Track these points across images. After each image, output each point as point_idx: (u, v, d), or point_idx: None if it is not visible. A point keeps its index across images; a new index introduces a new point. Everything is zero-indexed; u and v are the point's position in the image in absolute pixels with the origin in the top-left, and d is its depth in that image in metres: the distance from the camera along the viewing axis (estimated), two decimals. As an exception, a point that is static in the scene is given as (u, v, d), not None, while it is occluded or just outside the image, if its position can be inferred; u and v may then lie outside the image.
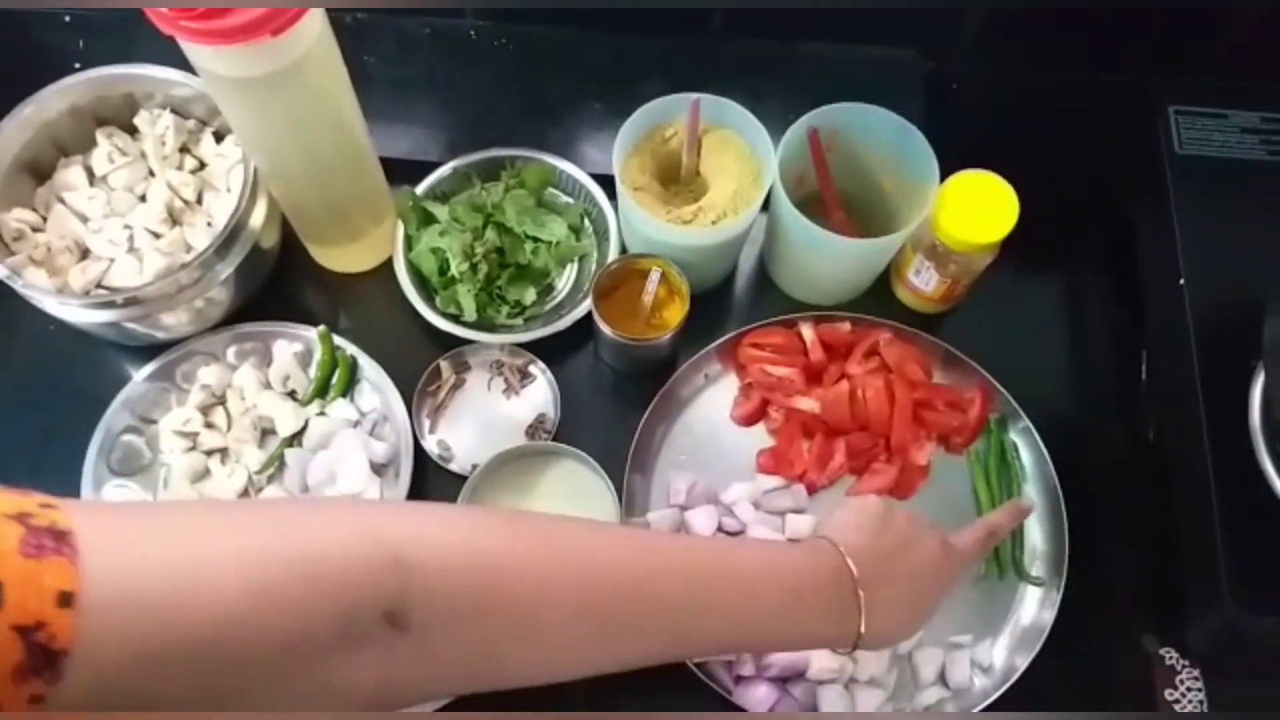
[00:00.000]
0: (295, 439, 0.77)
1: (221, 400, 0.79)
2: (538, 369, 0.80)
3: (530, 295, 0.81)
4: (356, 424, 0.78)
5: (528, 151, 0.84)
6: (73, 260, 0.77)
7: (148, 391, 0.77)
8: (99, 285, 0.77)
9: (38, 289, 0.72)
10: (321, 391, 0.78)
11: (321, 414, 0.77)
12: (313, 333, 0.79)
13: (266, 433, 0.78)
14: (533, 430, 0.79)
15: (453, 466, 0.77)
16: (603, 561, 0.50)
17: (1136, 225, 0.82)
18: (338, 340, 0.79)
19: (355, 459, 0.75)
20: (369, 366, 0.78)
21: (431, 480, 0.77)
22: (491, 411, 0.80)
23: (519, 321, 0.80)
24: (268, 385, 0.79)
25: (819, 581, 0.55)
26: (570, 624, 0.49)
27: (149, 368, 0.77)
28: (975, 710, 0.71)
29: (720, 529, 0.75)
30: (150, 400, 0.78)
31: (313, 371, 0.79)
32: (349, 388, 0.79)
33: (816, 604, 0.55)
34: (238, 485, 0.76)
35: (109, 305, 0.72)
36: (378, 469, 0.76)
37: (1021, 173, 0.75)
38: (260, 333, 0.79)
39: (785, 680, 0.71)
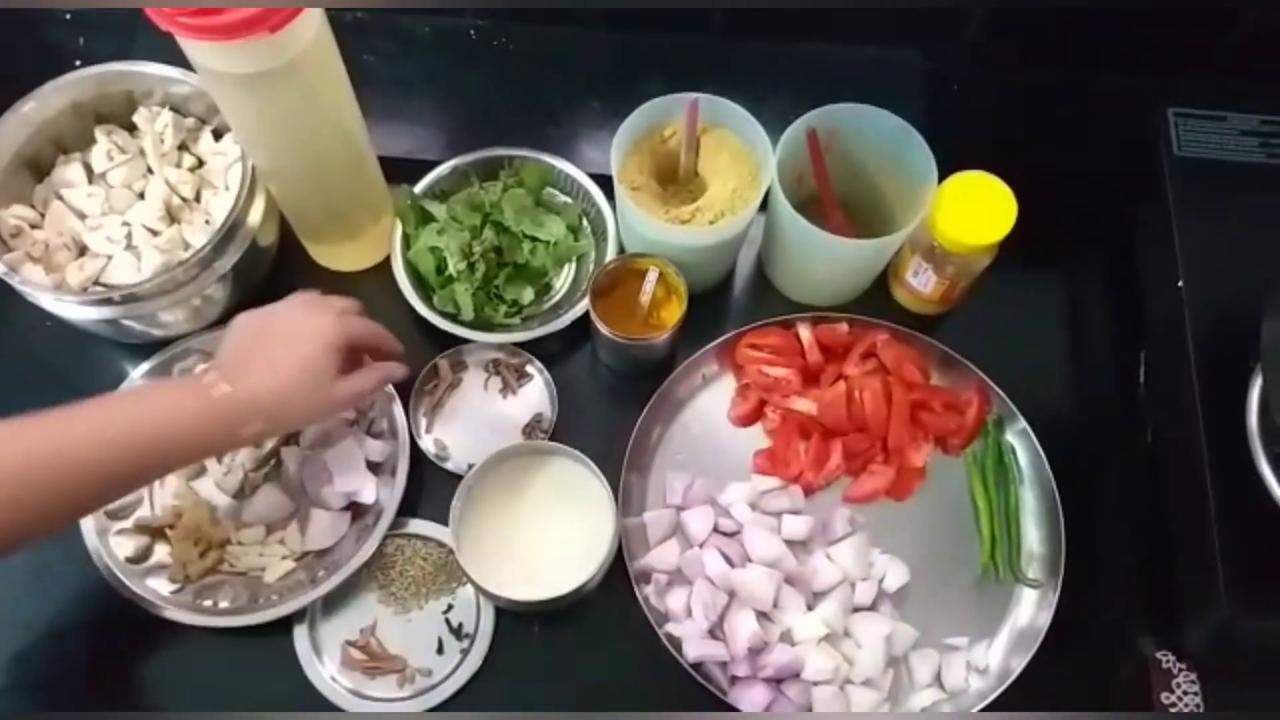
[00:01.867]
0: (292, 437, 0.77)
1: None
2: (535, 369, 0.80)
3: (528, 295, 0.81)
4: (353, 422, 0.78)
5: (526, 151, 0.84)
6: (71, 257, 0.77)
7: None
8: (96, 282, 0.77)
9: (35, 286, 0.72)
10: None
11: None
12: (310, 330, 0.78)
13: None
14: (529, 430, 0.79)
15: (449, 465, 0.77)
16: None
17: (1135, 227, 0.83)
18: None
19: (352, 457, 0.75)
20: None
21: (428, 478, 0.77)
22: (488, 411, 0.80)
23: (516, 321, 0.80)
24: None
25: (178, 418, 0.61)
26: None
27: (145, 365, 0.77)
28: (971, 712, 0.71)
29: (717, 529, 0.75)
30: None
31: None
32: None
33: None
34: (233, 483, 0.76)
35: (106, 302, 0.72)
36: (374, 467, 0.76)
37: (1020, 174, 0.75)
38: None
39: (780, 681, 0.71)
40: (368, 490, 0.75)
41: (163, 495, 0.76)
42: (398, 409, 0.77)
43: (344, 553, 0.73)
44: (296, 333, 0.64)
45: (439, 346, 0.80)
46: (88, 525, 0.72)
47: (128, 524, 0.74)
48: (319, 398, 0.64)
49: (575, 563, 0.71)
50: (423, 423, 0.79)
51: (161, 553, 0.74)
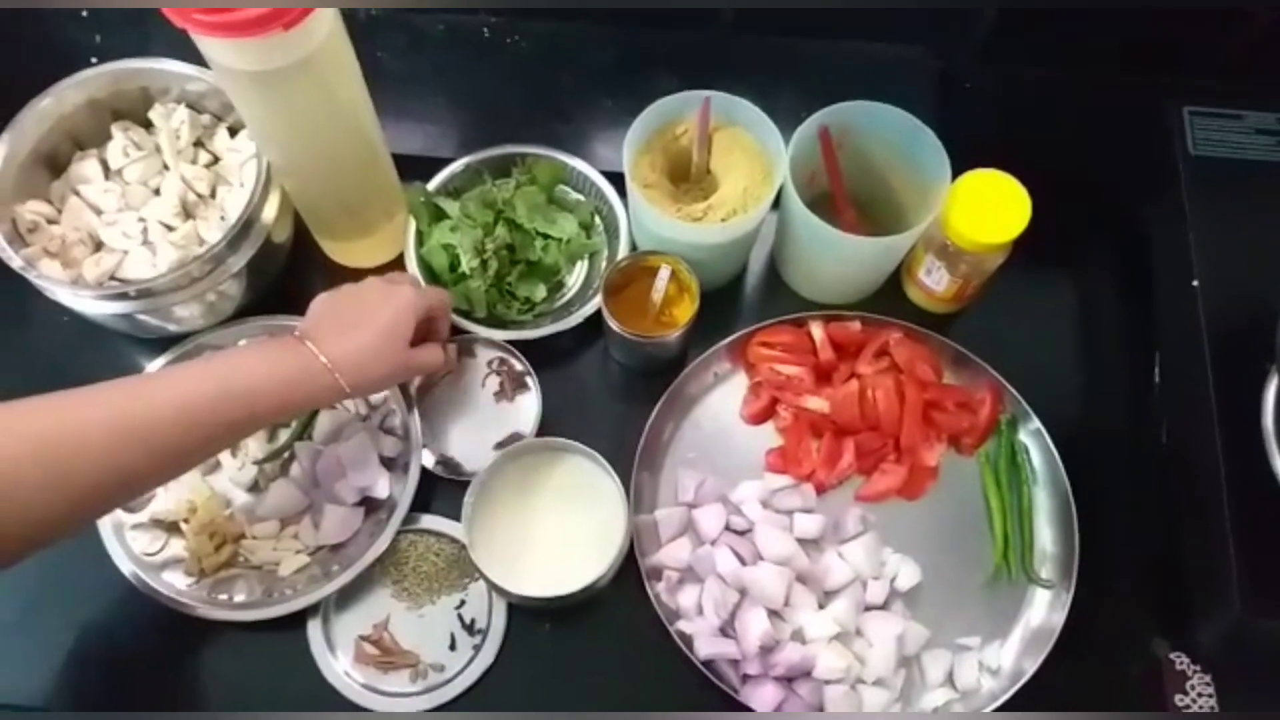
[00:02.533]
0: (305, 432, 0.77)
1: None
2: (533, 383, 0.79)
3: (540, 292, 0.81)
4: (366, 418, 0.78)
5: (539, 149, 0.84)
6: (87, 252, 0.77)
7: None
8: (112, 277, 0.77)
9: (52, 280, 0.73)
10: None
11: (331, 406, 0.78)
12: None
13: (276, 426, 0.78)
14: (503, 444, 0.78)
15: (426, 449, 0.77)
16: (54, 432, 0.57)
17: (1150, 226, 0.82)
18: None
19: (365, 452, 0.75)
20: None
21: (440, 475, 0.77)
22: (476, 407, 0.80)
23: (529, 318, 0.80)
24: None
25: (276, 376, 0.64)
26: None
27: (160, 360, 0.78)
28: (983, 712, 0.71)
29: (728, 527, 0.75)
30: None
31: None
32: None
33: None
34: (248, 477, 0.76)
35: (122, 297, 0.73)
36: (387, 463, 0.76)
37: (1034, 172, 0.74)
38: (270, 326, 0.79)
39: (791, 680, 0.71)
40: (381, 485, 0.75)
41: (178, 490, 0.76)
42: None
43: (358, 548, 0.74)
44: (376, 302, 0.68)
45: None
46: (104, 521, 0.73)
47: (143, 518, 0.75)
48: (395, 360, 0.67)
49: (587, 560, 0.71)
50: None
51: (177, 547, 0.74)
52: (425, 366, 0.72)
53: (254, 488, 0.77)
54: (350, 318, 0.67)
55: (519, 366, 0.80)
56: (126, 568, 0.72)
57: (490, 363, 0.81)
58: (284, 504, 0.76)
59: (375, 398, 0.79)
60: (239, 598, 0.73)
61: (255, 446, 0.77)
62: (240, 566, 0.75)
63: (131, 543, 0.73)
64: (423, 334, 0.72)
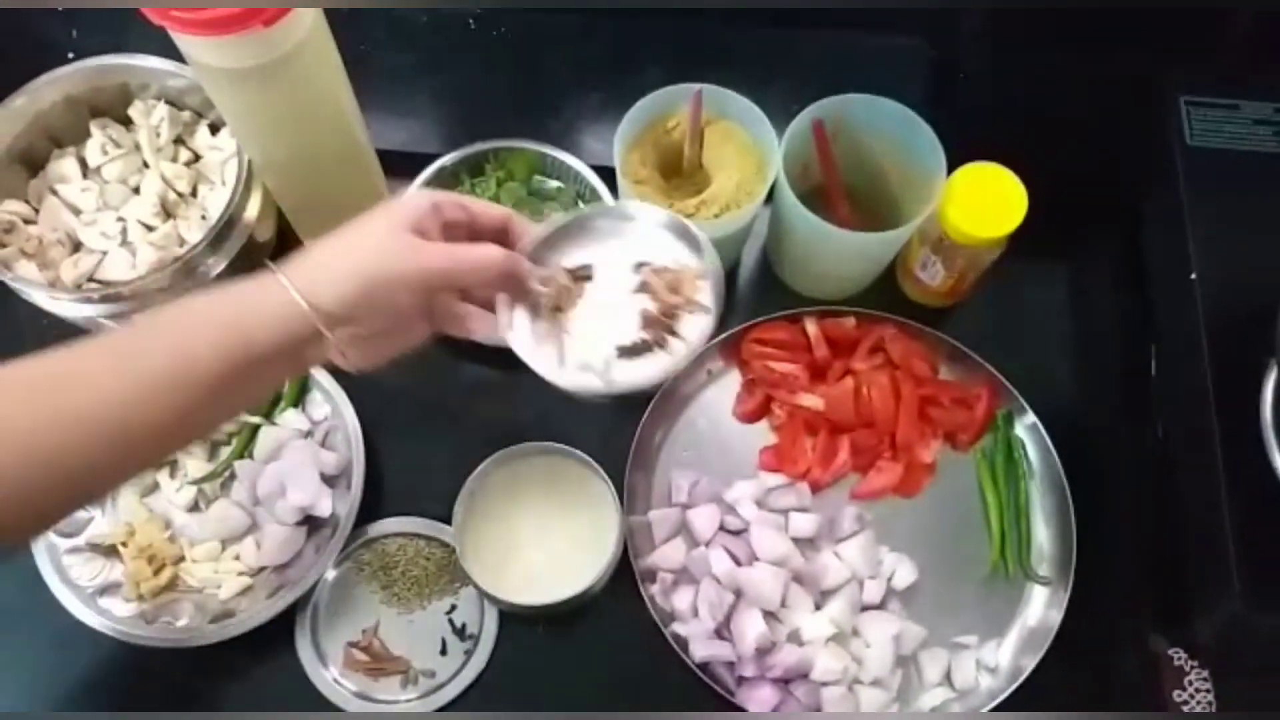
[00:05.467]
0: (247, 450, 0.75)
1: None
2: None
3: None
4: (308, 434, 0.76)
5: (509, 141, 0.82)
6: (65, 253, 0.76)
7: None
8: (91, 279, 0.75)
9: (28, 283, 0.71)
10: (273, 401, 0.76)
11: (272, 423, 0.76)
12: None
13: (216, 444, 0.76)
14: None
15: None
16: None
17: (1146, 218, 0.81)
18: None
19: (306, 470, 0.73)
20: (321, 374, 0.76)
21: (431, 477, 0.76)
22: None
23: None
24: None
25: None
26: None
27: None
28: (981, 712, 0.71)
29: (723, 528, 0.74)
30: None
31: None
32: (300, 397, 0.77)
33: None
34: (187, 498, 0.75)
35: (100, 299, 0.71)
36: (329, 480, 0.74)
37: (1030, 165, 0.73)
38: None
39: (788, 681, 0.70)
40: (323, 504, 0.73)
41: (114, 512, 0.74)
42: (350, 416, 0.75)
43: (301, 568, 0.72)
44: (368, 214, 0.55)
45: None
46: (38, 546, 0.71)
47: (80, 541, 0.73)
48: (405, 263, 0.52)
49: (580, 565, 0.70)
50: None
51: (115, 571, 0.72)
52: (458, 266, 0.53)
53: (194, 508, 0.75)
54: (337, 238, 0.54)
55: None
56: (62, 594, 0.70)
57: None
58: (225, 524, 0.73)
59: (317, 413, 0.76)
60: (181, 622, 0.70)
61: (194, 466, 0.75)
62: (181, 590, 0.73)
63: (69, 569, 0.71)
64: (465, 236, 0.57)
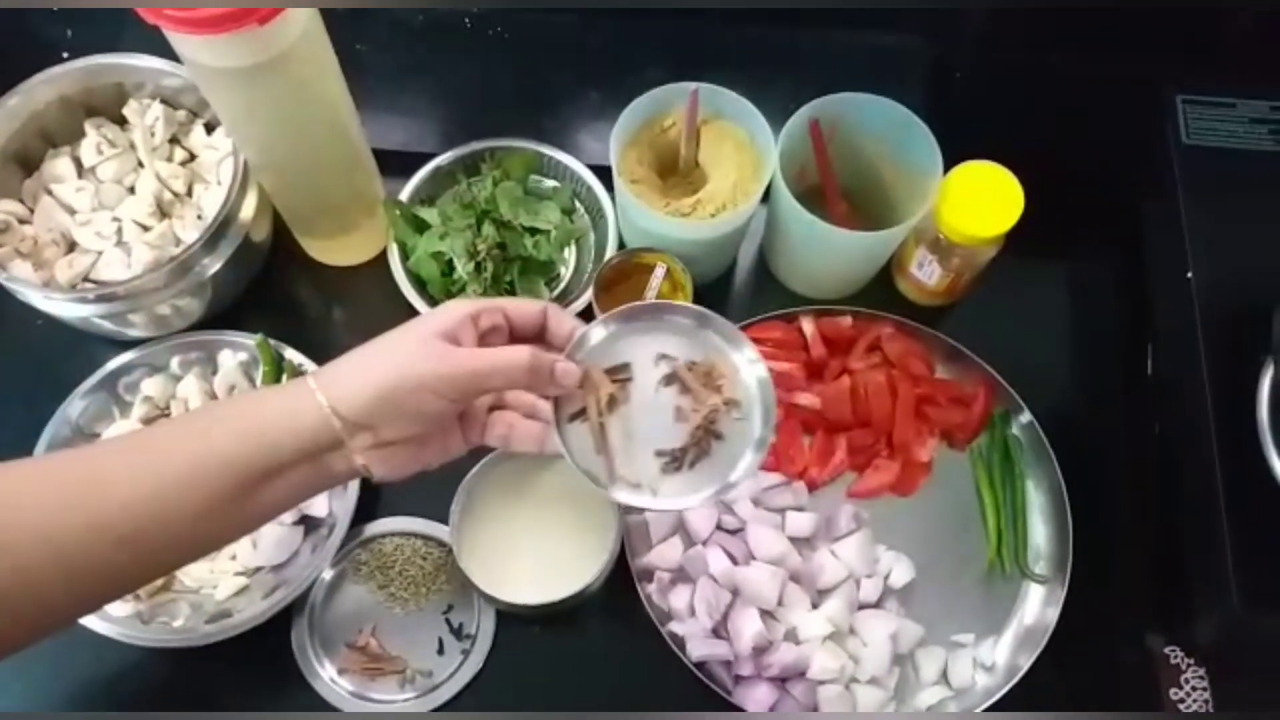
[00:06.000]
0: None
1: (165, 412, 0.76)
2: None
3: (544, 291, 0.80)
4: None
5: (506, 141, 0.82)
6: (59, 253, 0.76)
7: (89, 404, 0.74)
8: (86, 279, 0.75)
9: (23, 283, 0.71)
10: None
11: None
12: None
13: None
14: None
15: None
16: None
17: (1143, 217, 0.81)
18: (289, 351, 0.76)
19: None
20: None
21: (427, 476, 0.76)
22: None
23: None
24: (213, 396, 0.76)
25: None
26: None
27: (88, 382, 0.74)
28: (978, 710, 0.71)
29: (719, 527, 0.74)
30: (92, 413, 0.75)
31: (259, 381, 0.76)
32: None
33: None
34: None
35: (95, 299, 0.71)
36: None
37: (1026, 164, 0.74)
38: (205, 342, 0.77)
39: (785, 680, 0.70)
40: (319, 503, 0.73)
41: None
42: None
43: (297, 568, 0.72)
44: (405, 324, 0.54)
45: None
46: None
47: None
48: (428, 368, 0.50)
49: (577, 564, 0.70)
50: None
51: None
52: (490, 372, 0.52)
53: None
54: (366, 348, 0.54)
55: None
56: None
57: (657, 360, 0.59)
58: None
59: None
60: (177, 622, 0.70)
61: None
62: (176, 590, 0.72)
63: None
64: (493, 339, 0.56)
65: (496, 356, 0.52)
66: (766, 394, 0.57)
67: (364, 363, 0.52)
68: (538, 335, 0.57)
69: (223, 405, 0.52)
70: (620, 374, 0.57)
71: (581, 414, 0.56)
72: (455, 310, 0.53)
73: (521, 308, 0.56)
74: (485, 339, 0.55)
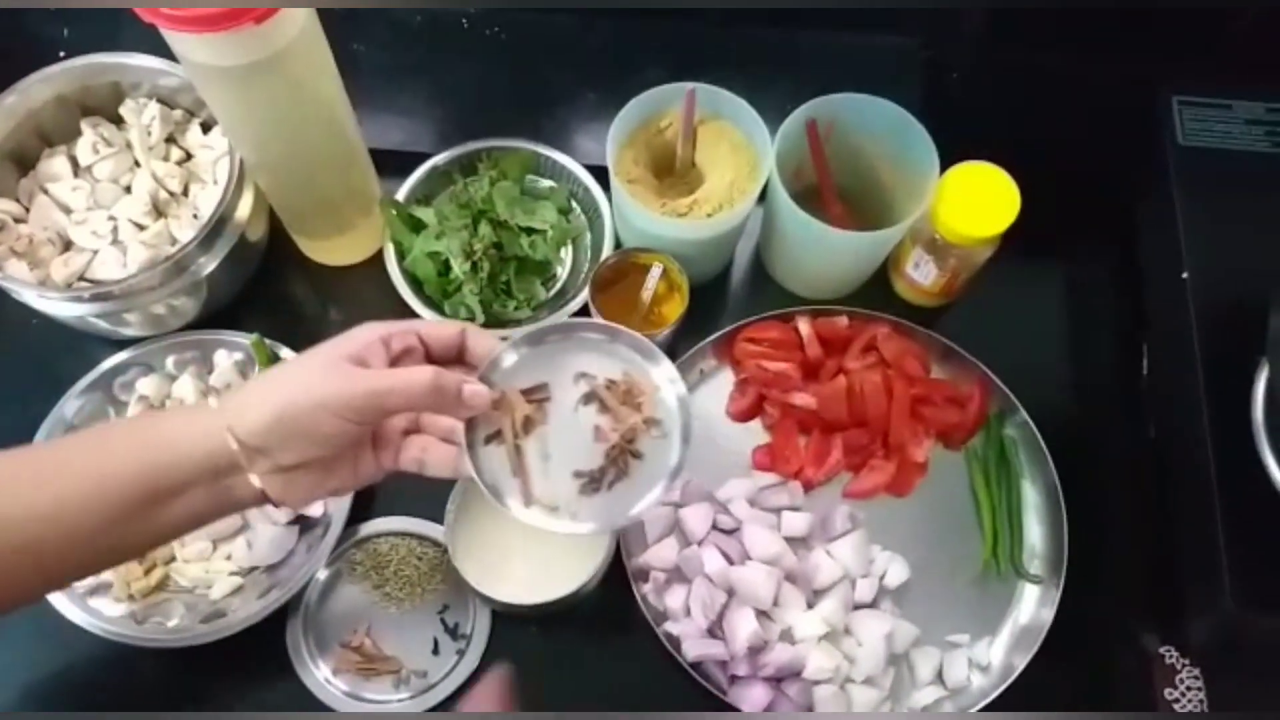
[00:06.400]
0: None
1: (161, 412, 0.76)
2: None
3: (539, 290, 0.80)
4: None
5: (502, 141, 0.82)
6: (55, 252, 0.76)
7: (84, 404, 0.74)
8: (82, 278, 0.75)
9: (18, 281, 0.71)
10: None
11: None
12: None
13: None
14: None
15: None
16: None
17: (1138, 218, 0.81)
18: (285, 351, 0.76)
19: None
20: None
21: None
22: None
23: (528, 313, 0.79)
24: (207, 395, 0.76)
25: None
26: None
27: (83, 382, 0.74)
28: (973, 710, 0.71)
29: (715, 526, 0.74)
30: (87, 413, 0.74)
31: None
32: None
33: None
34: None
35: (90, 298, 0.71)
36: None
37: (1022, 165, 0.74)
38: (200, 341, 0.77)
39: (780, 680, 0.70)
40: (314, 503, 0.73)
41: None
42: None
43: (292, 568, 0.72)
44: (313, 349, 0.53)
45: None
46: None
47: None
48: (327, 390, 0.50)
49: (572, 565, 0.70)
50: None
51: (106, 572, 0.71)
52: (388, 393, 0.51)
53: None
54: (274, 372, 0.54)
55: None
56: (53, 595, 0.68)
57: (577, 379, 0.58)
58: (216, 524, 0.72)
59: None
60: (172, 622, 0.70)
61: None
62: (170, 590, 0.72)
63: None
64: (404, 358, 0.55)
65: (396, 377, 0.51)
66: (686, 412, 0.56)
67: (266, 386, 0.52)
68: (456, 358, 0.56)
69: (129, 421, 0.54)
70: (537, 394, 0.56)
71: (498, 436, 0.55)
72: (364, 333, 0.53)
73: (436, 330, 0.55)
74: (398, 362, 0.54)
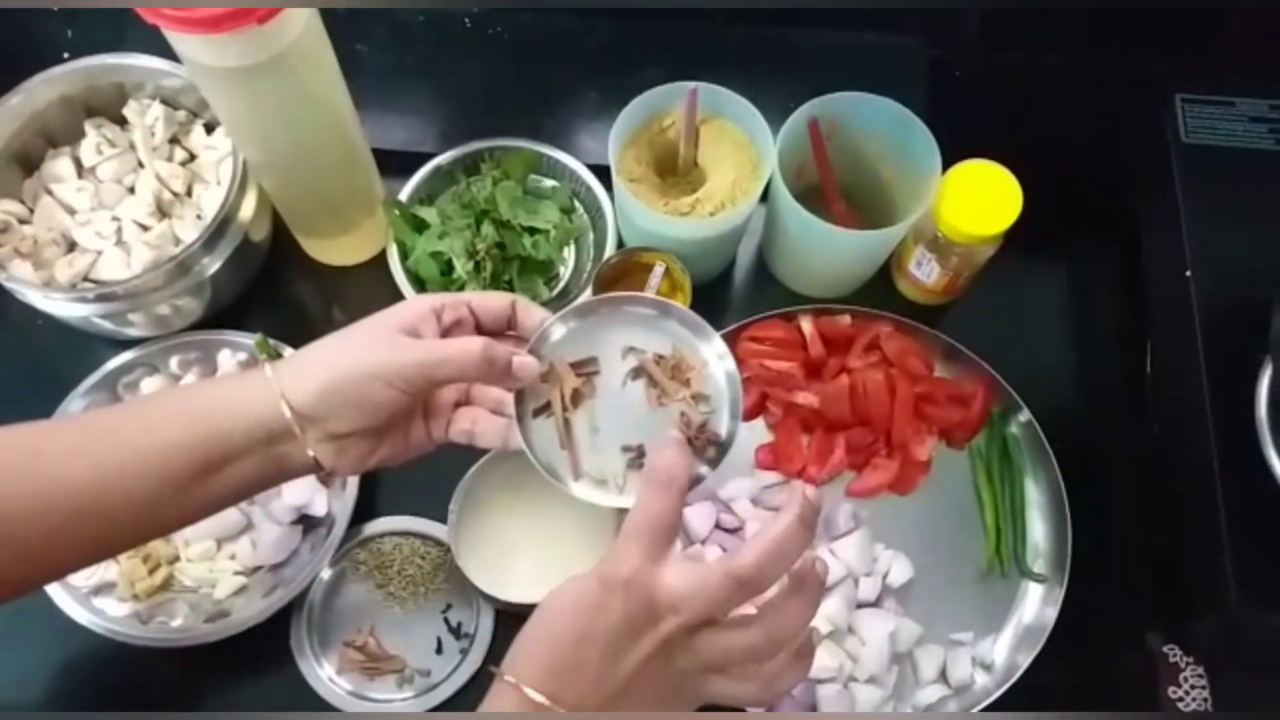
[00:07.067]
0: None
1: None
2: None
3: (541, 289, 0.80)
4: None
5: (505, 140, 0.82)
6: (59, 253, 0.76)
7: (89, 404, 0.74)
8: (86, 279, 0.75)
9: (23, 282, 0.71)
10: None
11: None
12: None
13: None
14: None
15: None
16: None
17: (1142, 216, 0.81)
18: (289, 351, 0.76)
19: None
20: None
21: (426, 475, 0.75)
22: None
23: None
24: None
25: None
26: None
27: (87, 382, 0.74)
28: (976, 709, 0.71)
29: (718, 525, 0.74)
30: None
31: None
32: None
33: None
34: None
35: (94, 299, 0.71)
36: (324, 479, 0.73)
37: (1025, 163, 0.73)
38: (204, 341, 0.77)
39: (784, 679, 0.70)
40: (318, 503, 0.73)
41: None
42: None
43: (298, 566, 0.72)
44: (368, 318, 0.53)
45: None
46: None
47: None
48: (378, 359, 0.50)
49: (576, 563, 0.69)
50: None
51: (110, 571, 0.71)
52: (439, 359, 0.51)
53: None
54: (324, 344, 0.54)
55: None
56: (56, 594, 0.69)
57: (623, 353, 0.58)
58: (220, 524, 0.73)
59: None
60: (176, 622, 0.70)
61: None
62: (174, 590, 0.72)
63: None
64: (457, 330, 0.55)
65: (447, 347, 0.51)
66: (735, 388, 0.56)
67: (319, 355, 0.52)
68: (506, 330, 0.57)
69: (178, 390, 0.53)
70: (587, 368, 0.56)
71: (547, 409, 0.56)
72: (417, 304, 0.53)
73: (487, 301, 0.56)
74: (449, 333, 0.54)
